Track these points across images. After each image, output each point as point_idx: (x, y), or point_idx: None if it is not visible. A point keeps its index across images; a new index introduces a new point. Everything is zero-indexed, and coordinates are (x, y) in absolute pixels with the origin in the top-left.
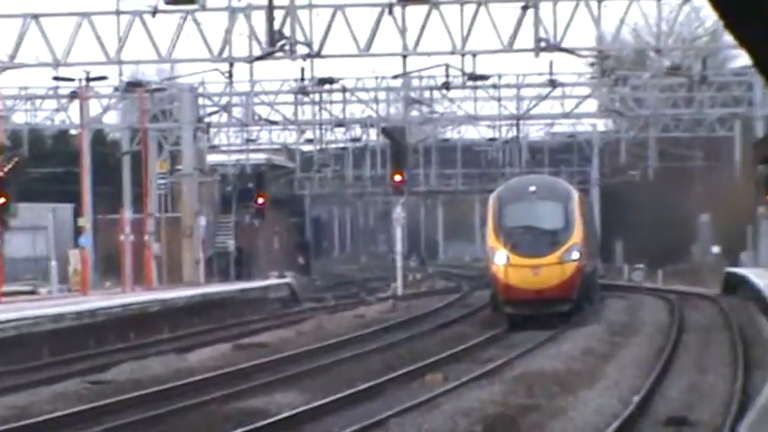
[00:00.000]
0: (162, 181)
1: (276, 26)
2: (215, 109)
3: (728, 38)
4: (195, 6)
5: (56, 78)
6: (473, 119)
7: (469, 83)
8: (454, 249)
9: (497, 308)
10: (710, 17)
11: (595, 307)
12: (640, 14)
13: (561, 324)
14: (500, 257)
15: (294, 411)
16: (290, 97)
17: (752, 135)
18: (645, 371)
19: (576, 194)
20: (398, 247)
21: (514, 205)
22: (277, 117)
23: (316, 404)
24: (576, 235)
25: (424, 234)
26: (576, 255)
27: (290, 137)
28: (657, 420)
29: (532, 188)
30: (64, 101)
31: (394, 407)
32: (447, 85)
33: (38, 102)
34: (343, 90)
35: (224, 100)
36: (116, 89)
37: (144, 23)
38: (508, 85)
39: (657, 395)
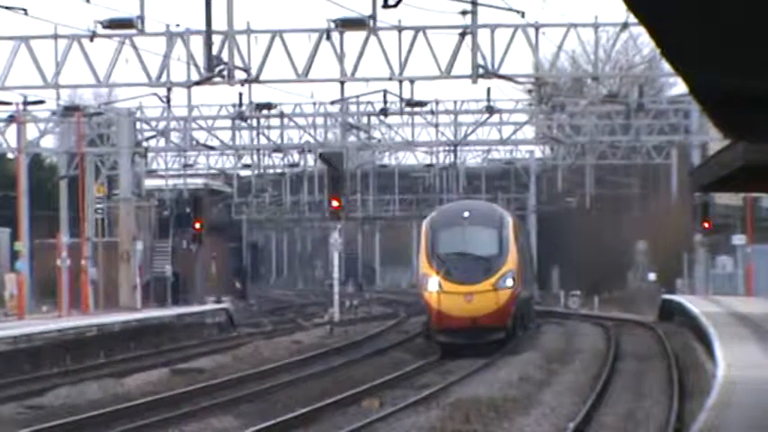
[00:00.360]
0: (99, 205)
1: (214, 51)
2: (153, 133)
3: (665, 66)
4: (133, 31)
5: None
6: (411, 145)
7: (407, 109)
8: (391, 275)
9: (430, 336)
10: (648, 45)
11: (531, 333)
12: (578, 42)
13: (495, 353)
14: (432, 284)
15: None
16: (228, 122)
17: (688, 162)
18: (581, 397)
19: (510, 220)
20: (336, 272)
21: (447, 231)
22: (215, 142)
23: (252, 429)
24: (511, 261)
25: (361, 260)
26: (510, 282)
27: (227, 162)
28: None
29: (466, 213)
30: (1, 125)
31: None
32: (385, 111)
33: None
34: (281, 115)
35: (162, 125)
36: (53, 113)
37: (82, 48)
38: (446, 111)
39: (594, 422)
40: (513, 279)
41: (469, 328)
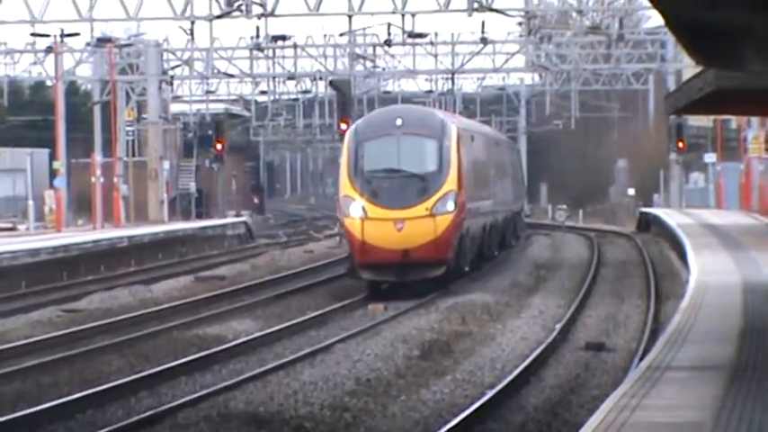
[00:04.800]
0: (129, 128)
1: None
2: (178, 63)
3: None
4: None
5: (33, 34)
6: (412, 73)
7: (409, 40)
8: None
9: (353, 273)
10: None
11: (522, 244)
12: None
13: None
14: (355, 209)
15: (249, 337)
16: (247, 53)
17: (664, 88)
18: (567, 301)
19: (454, 128)
20: None
21: (375, 142)
22: (234, 70)
23: (269, 331)
24: (452, 181)
25: None
26: (451, 205)
27: (246, 88)
28: (577, 346)
29: (398, 121)
30: (40, 55)
31: (339, 333)
32: (389, 42)
33: (16, 56)
34: (295, 46)
35: (186, 55)
36: (88, 44)
37: None
38: (444, 42)
39: (578, 323)
40: (455, 202)
41: (401, 262)
